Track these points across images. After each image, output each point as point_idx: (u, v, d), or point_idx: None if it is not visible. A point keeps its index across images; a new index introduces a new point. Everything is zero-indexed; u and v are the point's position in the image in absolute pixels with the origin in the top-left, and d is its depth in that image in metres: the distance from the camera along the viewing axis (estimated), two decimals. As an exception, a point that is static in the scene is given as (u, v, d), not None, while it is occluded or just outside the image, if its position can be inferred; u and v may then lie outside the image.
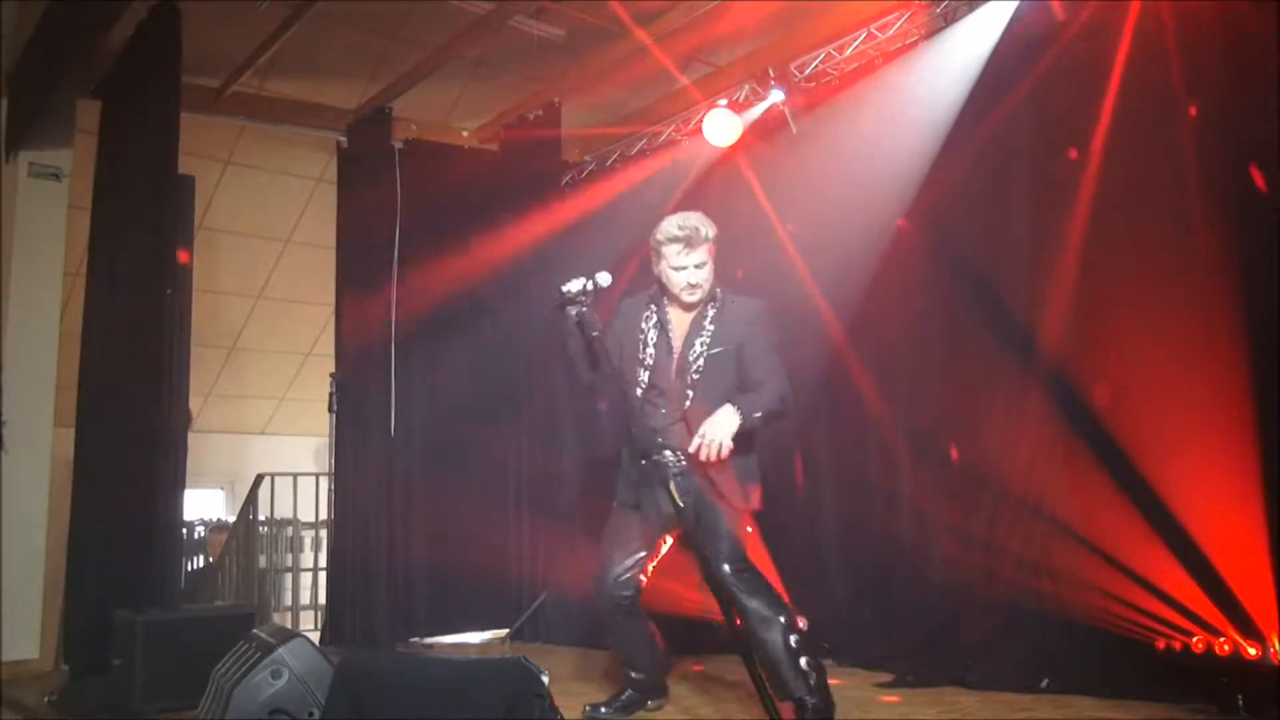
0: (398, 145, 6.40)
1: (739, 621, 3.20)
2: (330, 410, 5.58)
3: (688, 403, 3.44)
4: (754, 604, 3.27)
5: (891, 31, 4.92)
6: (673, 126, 5.99)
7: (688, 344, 3.49)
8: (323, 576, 7.43)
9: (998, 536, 4.24)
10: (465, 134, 6.77)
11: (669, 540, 3.58)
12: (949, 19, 4.67)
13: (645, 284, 3.75)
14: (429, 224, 6.31)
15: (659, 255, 3.51)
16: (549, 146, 6.44)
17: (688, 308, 3.53)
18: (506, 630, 6.16)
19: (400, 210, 6.25)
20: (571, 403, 6.14)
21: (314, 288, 7.80)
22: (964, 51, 4.54)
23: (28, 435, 5.43)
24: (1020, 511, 4.18)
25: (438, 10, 5.31)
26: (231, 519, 8.58)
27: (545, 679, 2.61)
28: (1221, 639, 3.48)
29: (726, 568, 3.26)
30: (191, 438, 5.90)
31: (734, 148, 5.49)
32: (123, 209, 5.21)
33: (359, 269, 6.22)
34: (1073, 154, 4.14)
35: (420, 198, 6.29)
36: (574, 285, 3.35)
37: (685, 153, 5.78)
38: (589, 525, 3.73)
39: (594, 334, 3.30)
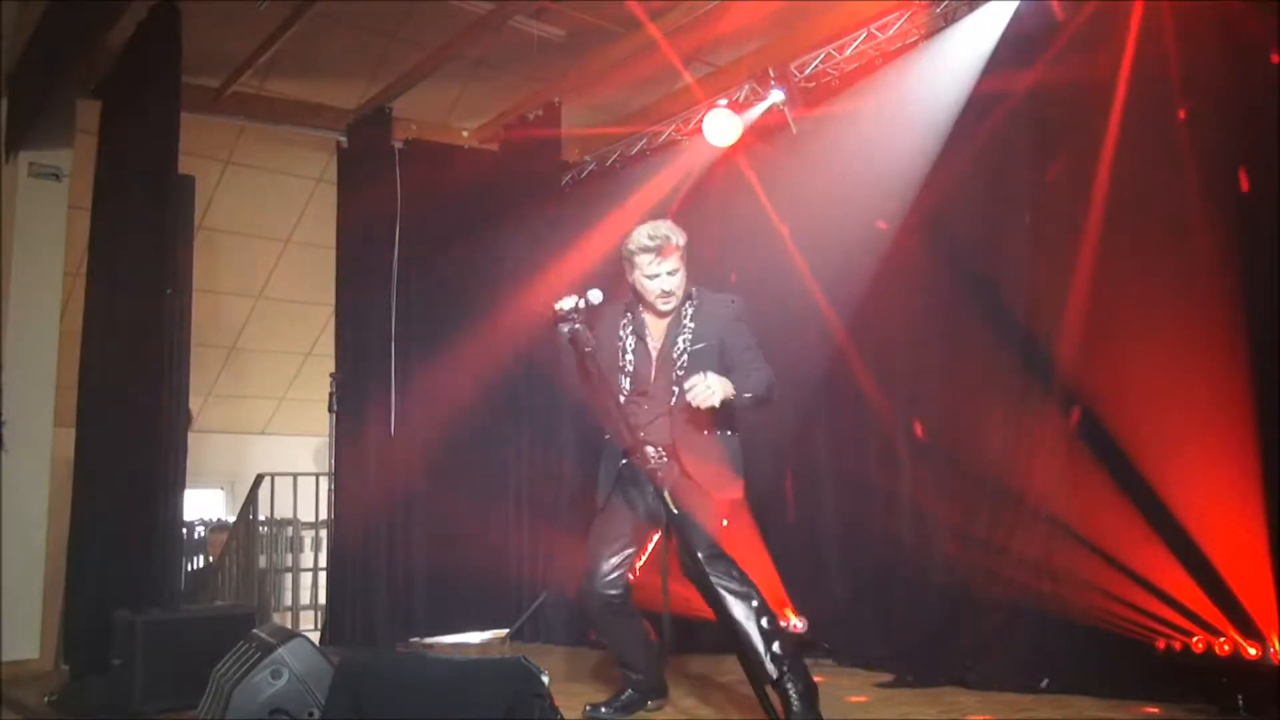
0: (398, 145, 6.40)
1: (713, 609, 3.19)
2: (330, 410, 5.59)
3: (674, 400, 3.48)
4: (725, 590, 3.28)
5: (891, 31, 4.93)
6: (673, 126, 5.99)
7: (669, 343, 3.55)
8: (323, 576, 7.43)
9: (998, 536, 4.24)
10: (465, 134, 6.77)
11: (655, 537, 3.59)
12: (949, 19, 4.67)
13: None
14: (429, 224, 6.32)
15: (631, 265, 3.57)
16: (549, 146, 6.44)
17: (663, 314, 3.59)
18: (506, 630, 6.16)
19: (400, 210, 6.25)
20: (571, 403, 6.14)
21: (314, 288, 7.81)
22: (964, 52, 4.54)
23: (28, 435, 5.43)
24: (1020, 511, 4.18)
25: (438, 10, 5.31)
26: (231, 519, 8.58)
27: (545, 679, 2.61)
28: (1221, 639, 3.48)
29: (700, 555, 3.27)
30: (191, 438, 5.90)
31: (734, 148, 5.49)
32: (123, 209, 5.21)
33: (359, 269, 6.22)
34: (1072, 154, 4.15)
35: (420, 198, 6.29)
36: (566, 303, 3.41)
37: (692, 158, 5.77)
38: (589, 525, 3.73)
39: (587, 349, 3.35)
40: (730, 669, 4.06)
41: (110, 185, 5.27)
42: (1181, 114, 3.76)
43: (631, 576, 3.59)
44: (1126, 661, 3.70)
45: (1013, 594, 4.13)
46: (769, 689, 3.11)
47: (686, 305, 3.57)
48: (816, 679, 3.36)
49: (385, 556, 6.00)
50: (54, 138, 5.61)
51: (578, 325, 3.36)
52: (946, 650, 4.27)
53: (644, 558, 3.64)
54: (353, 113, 6.35)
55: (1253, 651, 3.40)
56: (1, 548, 5.14)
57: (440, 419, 6.20)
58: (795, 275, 5.07)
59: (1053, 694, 3.79)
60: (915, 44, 4.85)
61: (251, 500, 7.89)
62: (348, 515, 6.02)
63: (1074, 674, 3.84)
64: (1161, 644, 3.61)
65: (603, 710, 3.66)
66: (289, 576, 8.59)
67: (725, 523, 3.50)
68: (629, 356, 3.58)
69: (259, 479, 7.87)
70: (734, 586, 3.31)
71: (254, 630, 3.44)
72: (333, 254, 6.36)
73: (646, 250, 3.50)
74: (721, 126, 5.41)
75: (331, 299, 6.37)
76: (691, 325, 3.53)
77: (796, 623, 4.85)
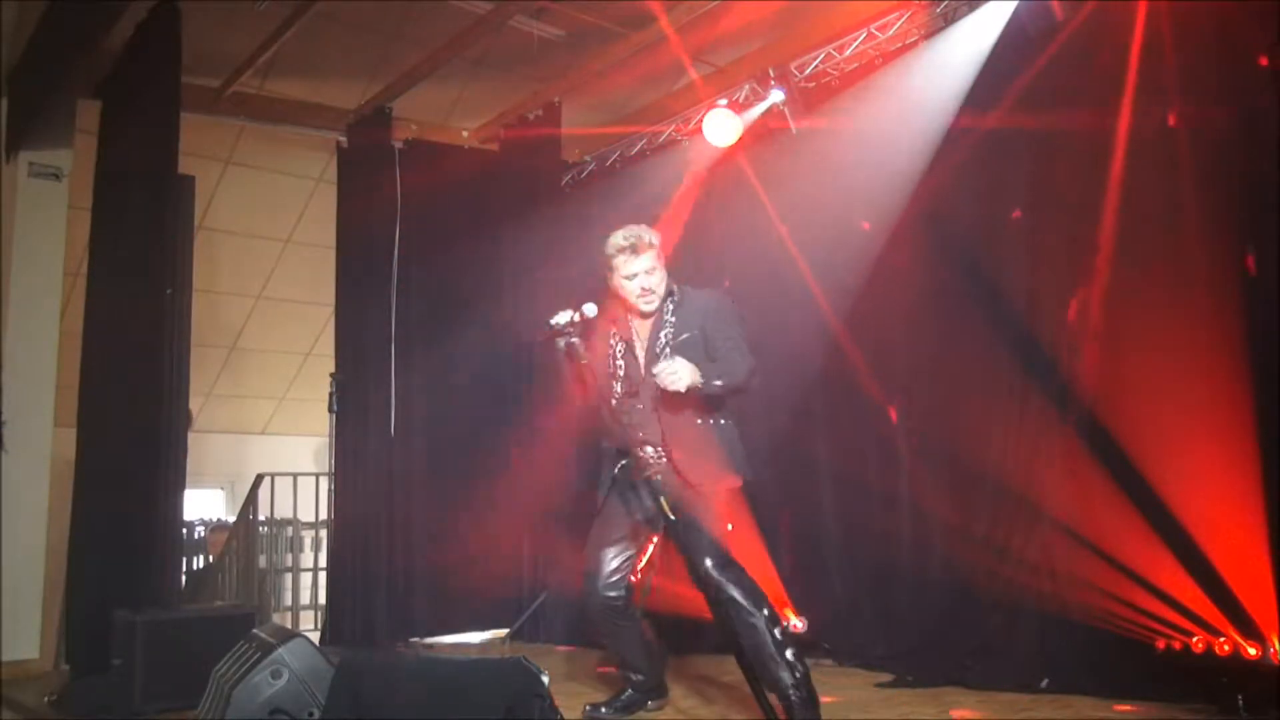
0: (398, 145, 6.40)
1: (723, 617, 3.22)
2: (330, 410, 5.58)
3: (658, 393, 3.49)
4: (736, 599, 3.30)
5: (891, 31, 4.93)
6: (673, 126, 5.99)
7: (653, 339, 3.60)
8: (323, 576, 7.43)
9: (998, 536, 4.25)
10: (465, 134, 6.76)
11: (655, 539, 3.61)
12: (949, 19, 4.68)
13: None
14: (429, 224, 6.31)
15: (611, 269, 3.61)
16: (549, 146, 6.43)
17: (646, 315, 3.62)
18: (506, 630, 6.16)
19: (400, 210, 6.25)
20: (571, 403, 6.14)
21: (314, 288, 7.80)
22: (963, 52, 4.55)
23: (28, 435, 5.42)
24: (1020, 511, 4.18)
25: (438, 10, 5.31)
26: (231, 519, 8.57)
27: (545, 679, 2.61)
28: (1221, 639, 3.48)
29: (709, 563, 3.30)
30: (191, 438, 5.90)
31: (734, 148, 5.49)
32: (123, 209, 5.20)
33: (359, 269, 6.22)
34: (1071, 153, 4.15)
35: (420, 198, 6.28)
36: (561, 317, 3.44)
37: (692, 158, 5.76)
38: (589, 525, 3.74)
39: (583, 361, 3.41)
40: (730, 669, 4.04)
41: (110, 185, 5.27)
42: (1180, 114, 3.76)
43: (632, 578, 3.61)
44: (1126, 661, 3.70)
45: (1013, 594, 4.13)
46: (769, 690, 3.12)
47: (668, 302, 3.63)
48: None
49: (385, 556, 6.00)
50: (54, 138, 5.61)
51: (574, 339, 3.41)
52: (946, 650, 4.28)
53: (644, 559, 3.65)
54: (353, 113, 6.35)
55: (1253, 651, 3.40)
56: (1, 548, 5.14)
57: (440, 419, 6.21)
58: (795, 275, 5.07)
59: (1053, 694, 3.79)
60: (915, 44, 4.86)
61: (251, 500, 7.88)
62: (348, 515, 6.02)
63: (1074, 674, 3.84)
64: (1161, 644, 3.62)
65: (603, 710, 3.67)
66: (289, 576, 8.59)
67: (730, 526, 3.51)
68: (619, 361, 3.64)
69: (259, 479, 7.86)
70: (746, 599, 3.32)
71: (254, 630, 3.43)
72: (333, 254, 6.36)
73: (623, 250, 3.56)
74: (721, 126, 5.41)
75: (331, 299, 6.37)
76: (673, 320, 3.59)
77: (796, 623, 4.85)
